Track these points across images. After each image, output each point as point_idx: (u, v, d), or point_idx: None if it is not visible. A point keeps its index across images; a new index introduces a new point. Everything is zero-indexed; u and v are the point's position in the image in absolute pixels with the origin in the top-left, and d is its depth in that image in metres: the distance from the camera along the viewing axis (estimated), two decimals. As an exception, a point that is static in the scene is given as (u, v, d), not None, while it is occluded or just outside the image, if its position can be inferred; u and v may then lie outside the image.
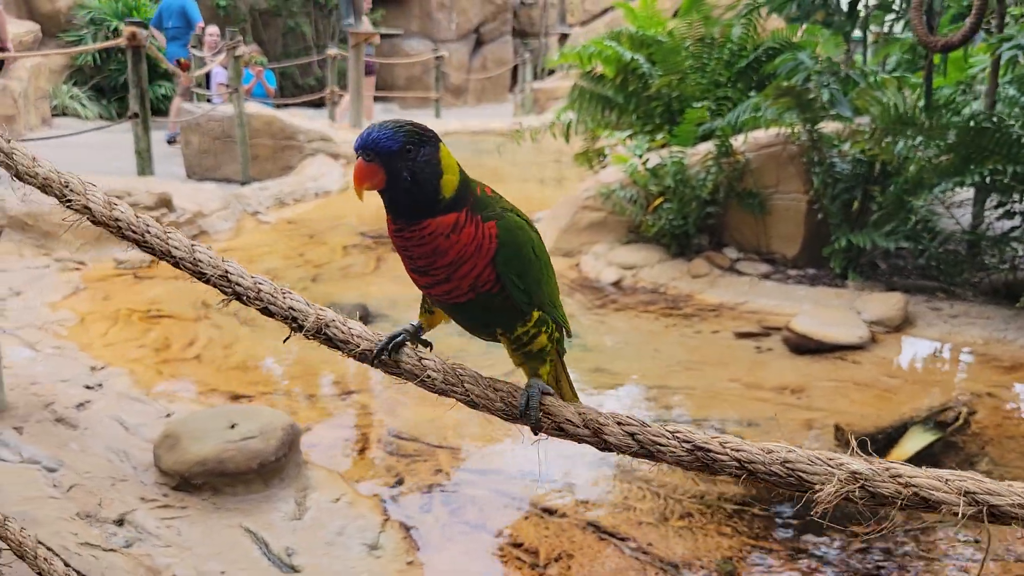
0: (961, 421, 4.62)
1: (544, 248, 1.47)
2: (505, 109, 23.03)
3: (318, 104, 16.96)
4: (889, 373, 5.30)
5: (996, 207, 5.86)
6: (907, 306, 5.86)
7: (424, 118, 16.90)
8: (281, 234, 8.22)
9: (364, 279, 7.00)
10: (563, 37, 24.96)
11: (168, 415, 4.06)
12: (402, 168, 1.32)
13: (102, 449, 3.59)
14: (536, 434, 1.42)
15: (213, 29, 13.53)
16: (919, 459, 4.17)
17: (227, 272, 1.58)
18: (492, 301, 1.39)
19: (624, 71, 8.77)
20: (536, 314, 1.45)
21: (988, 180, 5.53)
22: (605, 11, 29.38)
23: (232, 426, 3.48)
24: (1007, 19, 6.93)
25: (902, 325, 5.81)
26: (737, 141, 6.73)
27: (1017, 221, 5.78)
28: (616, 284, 6.79)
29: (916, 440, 4.46)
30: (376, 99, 16.85)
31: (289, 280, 6.89)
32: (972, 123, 5.47)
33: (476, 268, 1.36)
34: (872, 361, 5.40)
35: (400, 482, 3.76)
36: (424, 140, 1.34)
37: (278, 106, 14.48)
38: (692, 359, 5.53)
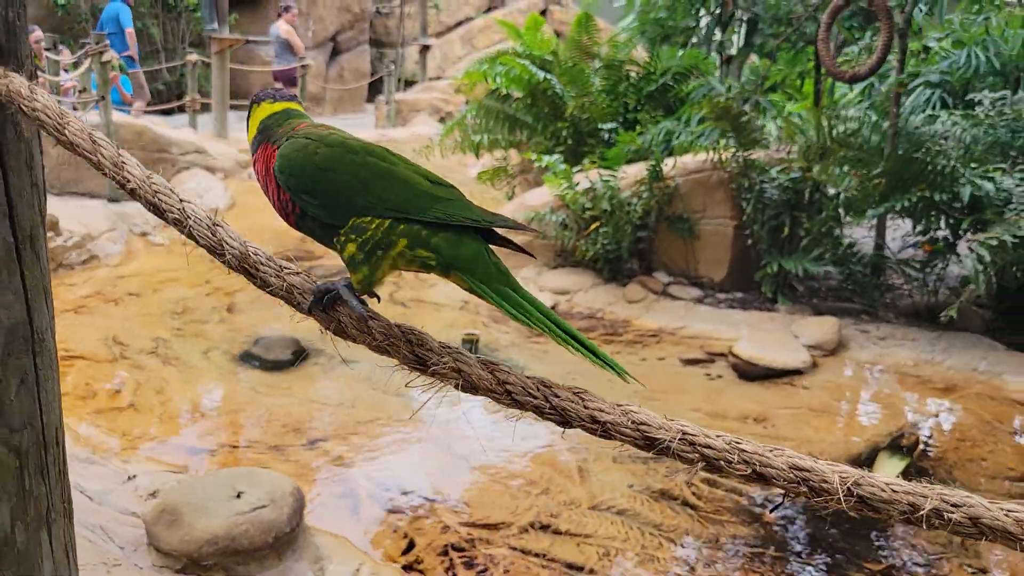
0: (921, 446, 4.81)
1: (361, 154, 1.47)
2: (365, 120, 22.53)
3: (169, 112, 15.98)
4: (839, 398, 5.46)
5: (919, 233, 6.18)
6: (840, 329, 6.07)
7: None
8: (179, 258, 7.57)
9: (285, 307, 6.53)
10: (424, 48, 24.65)
11: (130, 478, 3.58)
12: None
13: (76, 527, 3.09)
14: (323, 333, 1.47)
15: (37, 34, 12.32)
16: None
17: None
18: (304, 220, 1.45)
19: (534, 91, 8.71)
20: (351, 222, 1.43)
21: (917, 206, 5.81)
22: (459, 23, 29.41)
23: (238, 495, 3.09)
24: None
25: (837, 348, 6.01)
26: (667, 166, 6.78)
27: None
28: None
29: (889, 467, 4.59)
30: (232, 107, 16.02)
31: (203, 311, 6.35)
32: (901, 152, 5.73)
33: (273, 192, 1.47)
34: (819, 386, 5.54)
35: (412, 544, 3.47)
36: (250, 101, 1.65)
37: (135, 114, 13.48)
38: (648, 388, 5.49)
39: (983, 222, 5.56)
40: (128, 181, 1.54)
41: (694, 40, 9.44)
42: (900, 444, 4.78)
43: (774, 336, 6.05)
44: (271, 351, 5.63)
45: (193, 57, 14.47)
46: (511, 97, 9.09)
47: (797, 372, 5.68)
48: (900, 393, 5.58)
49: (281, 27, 15.37)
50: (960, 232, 5.97)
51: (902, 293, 6.50)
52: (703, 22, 8.55)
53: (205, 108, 15.16)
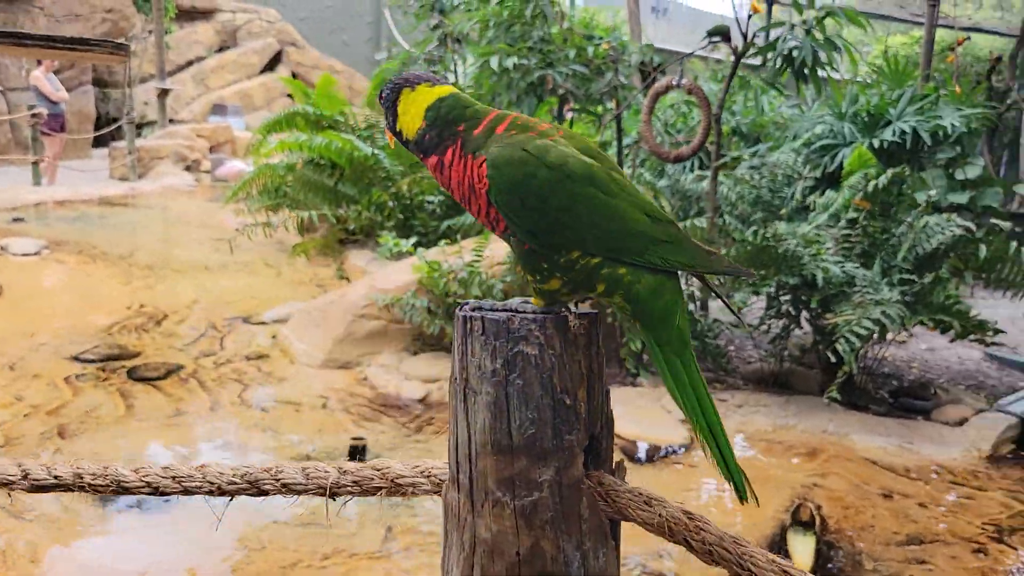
0: (818, 519, 5.19)
1: (581, 182, 1.32)
2: (94, 166, 20.54)
3: None
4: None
5: (768, 308, 6.72)
6: (706, 402, 6.43)
7: (12, 190, 14.39)
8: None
9: (125, 427, 5.75)
10: (163, 92, 22.68)
11: None
12: (384, 113, 1.50)
13: None
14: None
15: None
16: (824, 570, 4.61)
17: None
18: (511, 241, 1.36)
19: (357, 164, 8.42)
20: (559, 259, 1.32)
21: (776, 289, 6.34)
22: (190, 62, 27.84)
23: None
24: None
25: (706, 420, 6.35)
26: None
27: (785, 321, 6.69)
28: (422, 400, 6.44)
29: (801, 546, 4.90)
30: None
31: (32, 439, 5.42)
32: (757, 239, 6.23)
33: (481, 207, 1.35)
34: (705, 463, 5.81)
35: None
36: (388, 88, 1.47)
37: None
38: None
39: (826, 299, 6.17)
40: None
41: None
42: (801, 520, 5.13)
43: (649, 413, 6.28)
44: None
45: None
46: (325, 168, 8.73)
47: (681, 448, 5.94)
48: (774, 462, 6.00)
49: (32, 74, 14.71)
50: (801, 307, 6.57)
51: (749, 361, 7.03)
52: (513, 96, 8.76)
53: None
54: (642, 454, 5.85)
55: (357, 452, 5.48)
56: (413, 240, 7.17)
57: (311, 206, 8.42)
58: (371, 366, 6.79)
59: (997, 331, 6.28)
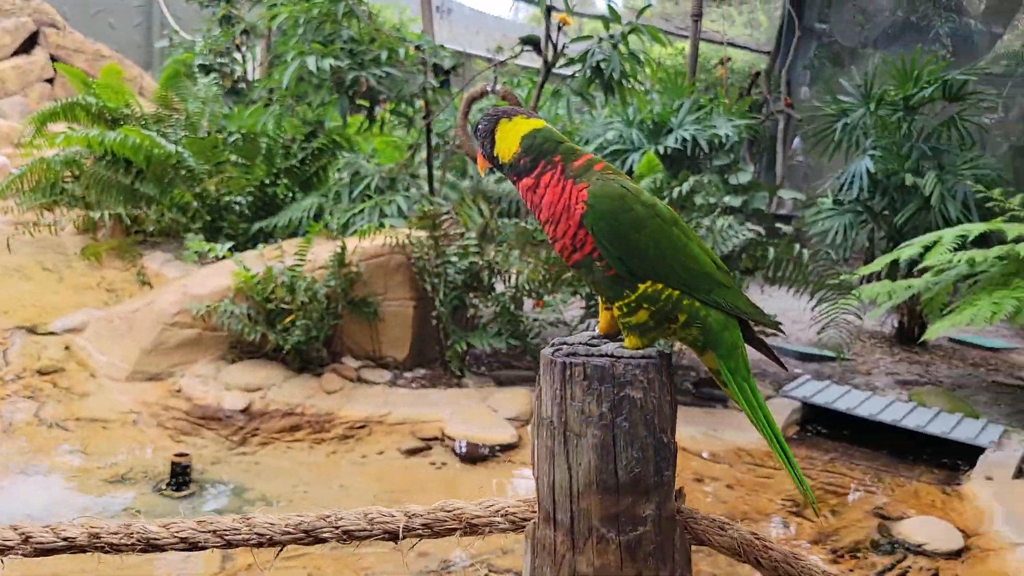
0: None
1: (668, 223, 1.51)
2: None
3: None
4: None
5: (588, 307, 7.04)
6: (531, 400, 6.67)
7: None
8: None
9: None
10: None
11: None
12: (479, 146, 1.66)
13: None
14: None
15: None
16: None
17: None
18: (594, 265, 1.49)
19: (156, 163, 7.89)
20: (644, 287, 1.48)
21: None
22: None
23: None
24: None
25: (531, 418, 6.58)
26: (349, 250, 6.74)
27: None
28: (245, 411, 6.19)
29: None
30: None
31: None
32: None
33: (570, 228, 1.50)
34: (526, 456, 6.03)
35: None
36: (486, 119, 1.64)
37: None
38: (387, 489, 5.44)
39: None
40: None
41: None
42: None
43: (477, 413, 6.41)
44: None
45: None
46: (120, 165, 8.13)
47: (511, 447, 6.12)
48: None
49: None
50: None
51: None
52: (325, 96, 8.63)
53: None
54: (477, 455, 5.97)
55: (180, 470, 5.18)
56: (227, 244, 6.85)
57: (105, 206, 7.80)
58: (185, 376, 6.43)
59: (777, 324, 6.98)
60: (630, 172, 9.93)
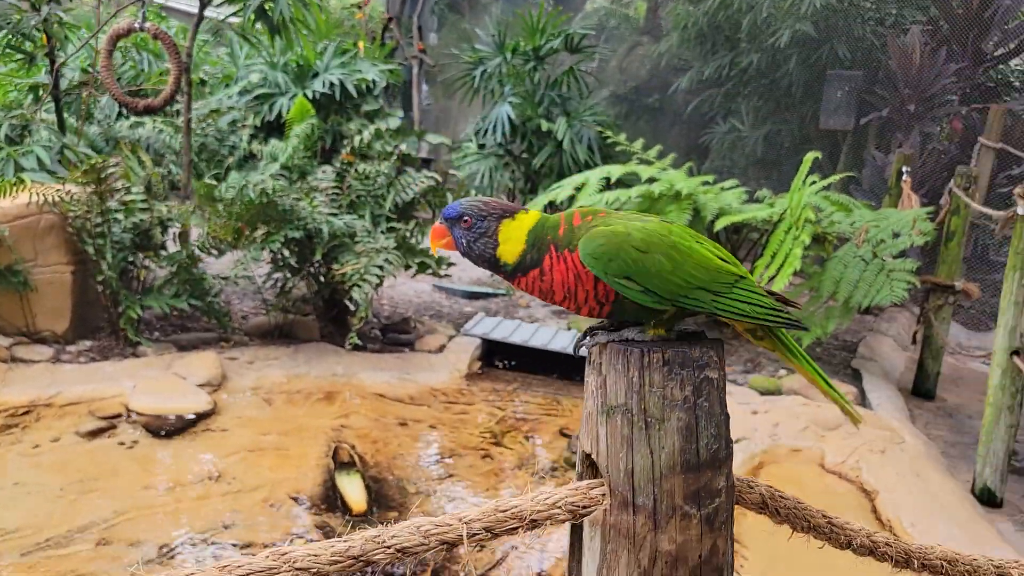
0: (356, 458, 5.56)
1: (666, 239, 1.52)
2: None
3: None
4: (264, 432, 5.76)
5: (274, 262, 6.73)
6: (221, 363, 6.29)
7: None
8: None
9: None
10: None
11: None
12: (460, 236, 1.56)
13: None
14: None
15: None
16: (378, 503, 5.04)
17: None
18: (624, 304, 1.50)
19: None
20: (673, 310, 1.51)
21: (284, 244, 6.38)
22: None
23: None
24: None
25: (223, 382, 6.23)
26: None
27: (287, 273, 6.79)
28: None
29: (350, 486, 5.21)
30: None
31: None
32: (258, 196, 6.20)
33: (589, 291, 1.50)
34: (238, 425, 5.74)
35: None
36: (483, 216, 1.55)
37: None
38: (72, 479, 4.87)
39: (330, 251, 6.50)
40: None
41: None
42: (342, 461, 5.45)
43: (163, 382, 5.93)
44: None
45: None
46: None
47: (207, 415, 5.77)
48: (300, 412, 6.18)
49: None
50: (308, 259, 6.77)
51: (254, 315, 7.01)
52: None
53: None
54: (170, 427, 5.55)
55: None
56: None
57: None
58: None
59: (451, 265, 7.31)
60: (279, 117, 9.58)
